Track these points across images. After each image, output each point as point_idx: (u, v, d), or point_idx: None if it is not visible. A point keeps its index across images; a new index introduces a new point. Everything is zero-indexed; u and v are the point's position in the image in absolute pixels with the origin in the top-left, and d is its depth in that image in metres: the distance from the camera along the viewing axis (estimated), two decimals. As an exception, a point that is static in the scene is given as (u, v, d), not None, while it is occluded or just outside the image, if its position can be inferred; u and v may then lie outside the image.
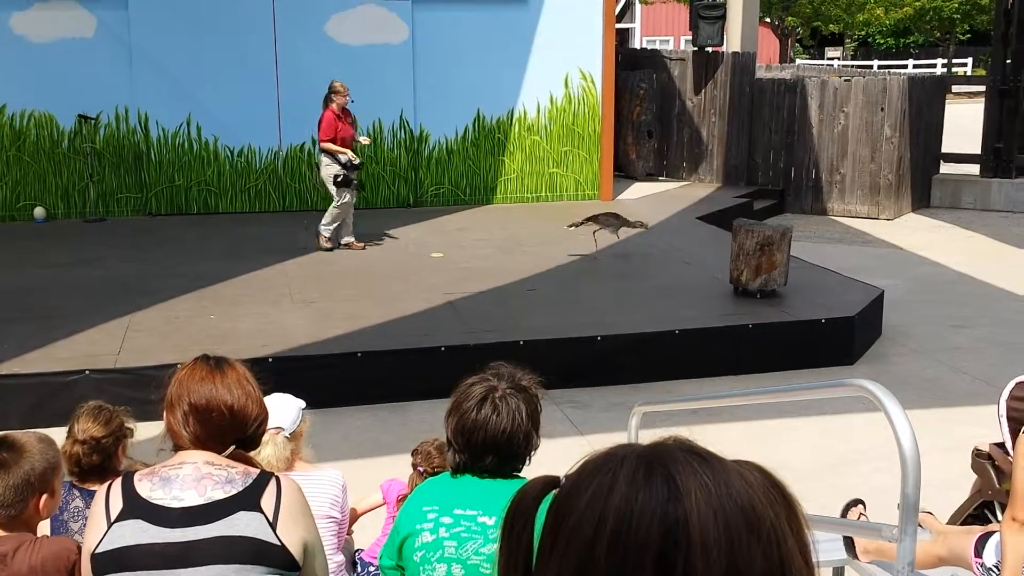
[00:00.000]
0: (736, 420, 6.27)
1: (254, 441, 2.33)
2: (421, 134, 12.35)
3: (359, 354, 6.81)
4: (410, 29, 12.08)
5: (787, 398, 3.19)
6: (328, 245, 9.86)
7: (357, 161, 9.80)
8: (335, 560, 3.73)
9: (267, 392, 2.95)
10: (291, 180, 12.20)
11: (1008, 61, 13.80)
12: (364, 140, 10.07)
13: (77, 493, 3.22)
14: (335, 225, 9.86)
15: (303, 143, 12.09)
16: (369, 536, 4.17)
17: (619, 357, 7.05)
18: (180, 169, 11.91)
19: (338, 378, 6.60)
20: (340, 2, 11.94)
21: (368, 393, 6.66)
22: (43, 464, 2.68)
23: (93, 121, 11.50)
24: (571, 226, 9.87)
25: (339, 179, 9.66)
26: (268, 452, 3.38)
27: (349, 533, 3.96)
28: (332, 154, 9.64)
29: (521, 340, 6.88)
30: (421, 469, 3.91)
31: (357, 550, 4.06)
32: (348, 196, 9.73)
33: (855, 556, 3.90)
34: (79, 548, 2.60)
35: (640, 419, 3.91)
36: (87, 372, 6.31)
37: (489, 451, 2.34)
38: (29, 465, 2.61)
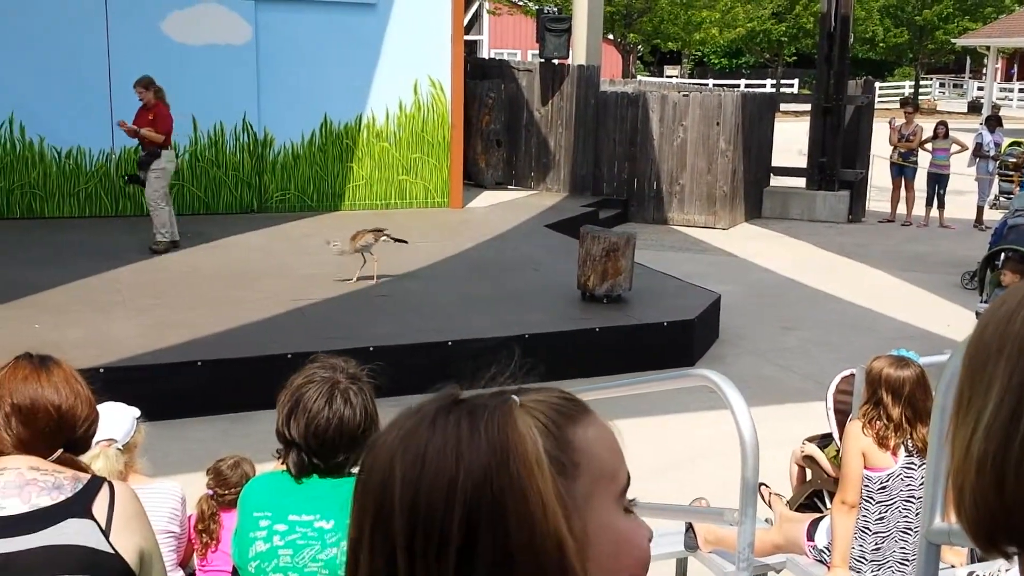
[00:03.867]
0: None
1: (84, 444, 2.19)
2: (266, 138, 12.03)
3: (199, 362, 6.55)
4: (253, 30, 11.76)
5: (636, 390, 3.27)
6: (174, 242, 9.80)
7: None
8: (174, 577, 3.56)
9: (97, 399, 2.77)
10: (125, 184, 11.64)
11: (831, 81, 14.65)
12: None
13: None
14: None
15: (137, 145, 11.57)
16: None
17: (469, 362, 7.03)
18: (1, 171, 11.18)
19: (178, 388, 6.33)
20: (178, 0, 11.51)
21: (210, 403, 6.42)
22: None
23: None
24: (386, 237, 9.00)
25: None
26: (100, 465, 3.19)
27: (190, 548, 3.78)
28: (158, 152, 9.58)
29: (371, 346, 6.78)
30: (211, 492, 3.74)
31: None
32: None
33: (697, 547, 4.02)
34: None
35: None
36: None
37: (342, 449, 2.26)
38: None
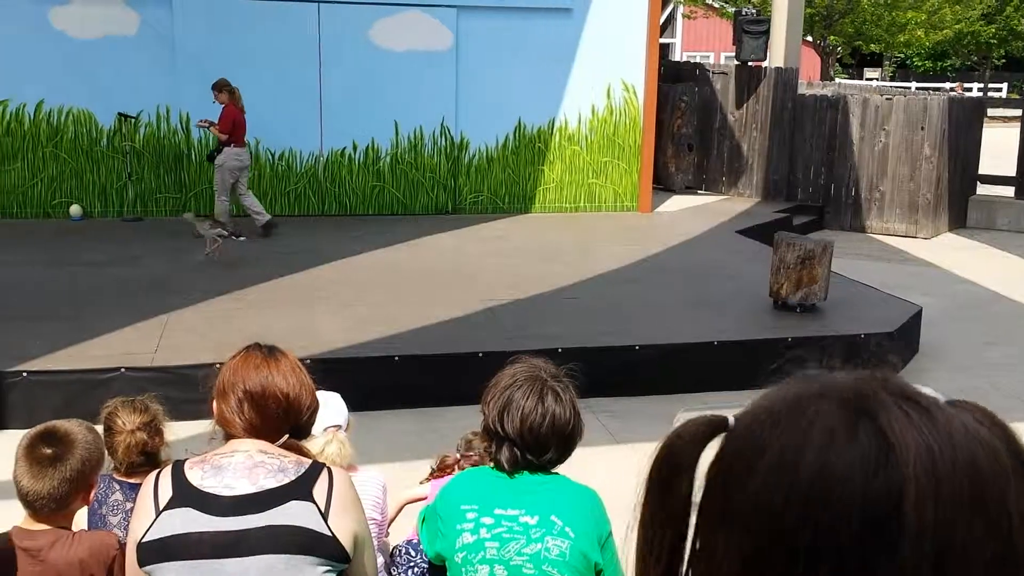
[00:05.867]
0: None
1: (306, 430, 2.32)
2: (462, 141, 12.36)
3: (396, 358, 6.80)
4: (454, 36, 12.10)
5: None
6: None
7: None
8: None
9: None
10: (331, 185, 12.24)
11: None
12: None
13: (117, 487, 3.18)
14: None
15: (344, 148, 12.14)
16: (404, 534, 4.13)
17: (657, 367, 6.99)
18: (220, 172, 11.97)
19: (374, 381, 6.59)
20: (385, 8, 11.98)
21: (403, 397, 6.65)
22: (97, 455, 2.67)
23: (133, 120, 11.53)
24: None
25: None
26: (333, 450, 3.29)
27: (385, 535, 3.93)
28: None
29: (559, 347, 6.84)
30: (459, 455, 3.83)
31: (395, 547, 4.02)
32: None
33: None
34: (119, 543, 2.58)
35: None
36: (122, 370, 6.26)
37: (552, 444, 2.32)
38: (81, 457, 2.59)
